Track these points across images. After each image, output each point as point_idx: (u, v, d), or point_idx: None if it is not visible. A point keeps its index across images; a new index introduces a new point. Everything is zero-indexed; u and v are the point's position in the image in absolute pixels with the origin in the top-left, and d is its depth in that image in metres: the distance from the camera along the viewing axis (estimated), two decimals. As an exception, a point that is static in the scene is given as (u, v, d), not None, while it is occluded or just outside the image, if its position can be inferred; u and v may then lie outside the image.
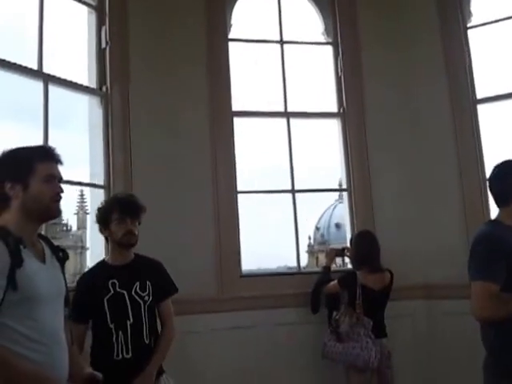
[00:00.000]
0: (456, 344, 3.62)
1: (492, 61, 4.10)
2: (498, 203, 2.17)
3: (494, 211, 3.69)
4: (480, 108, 3.92)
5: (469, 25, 4.06)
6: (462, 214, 3.80)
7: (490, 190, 2.22)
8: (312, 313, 3.48)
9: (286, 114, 3.97)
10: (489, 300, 1.97)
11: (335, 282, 3.37)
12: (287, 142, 3.93)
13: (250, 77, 4.07)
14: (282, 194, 4.02)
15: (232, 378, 3.39)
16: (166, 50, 3.64)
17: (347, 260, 3.77)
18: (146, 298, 2.41)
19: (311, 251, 21.03)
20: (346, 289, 3.28)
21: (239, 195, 3.73)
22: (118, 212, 2.43)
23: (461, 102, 3.92)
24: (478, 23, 4.07)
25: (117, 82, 3.39)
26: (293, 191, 3.87)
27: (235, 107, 3.84)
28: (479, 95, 3.94)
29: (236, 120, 3.83)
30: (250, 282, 3.65)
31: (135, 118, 3.42)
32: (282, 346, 3.54)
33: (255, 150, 4.49)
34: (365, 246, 3.37)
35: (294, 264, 4.00)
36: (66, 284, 1.77)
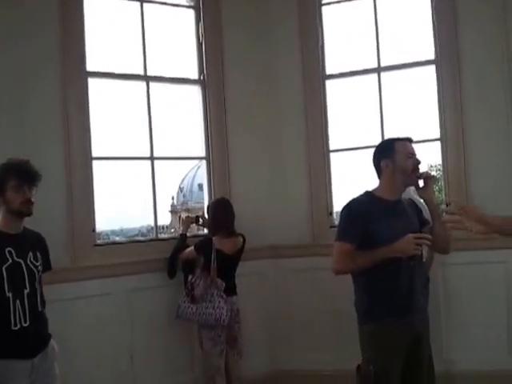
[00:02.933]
0: (299, 296, 4.03)
1: (341, 39, 4.32)
2: (377, 176, 2.47)
3: (335, 181, 4.18)
4: (328, 83, 4.21)
5: (323, 1, 4.24)
6: (307, 182, 4.13)
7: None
8: (169, 278, 3.58)
9: (146, 78, 3.87)
10: (341, 256, 2.32)
11: (191, 248, 3.48)
12: (146, 107, 3.84)
13: (108, 36, 3.85)
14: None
15: (91, 346, 3.38)
16: (13, 6, 3.30)
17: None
18: (40, 267, 2.43)
19: (174, 211, 21.10)
20: (202, 254, 3.42)
21: (94, 161, 3.59)
22: (15, 179, 2.32)
23: (312, 77, 4.16)
24: (332, 1, 4.26)
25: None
26: (152, 158, 3.83)
27: (90, 67, 3.62)
28: (328, 71, 4.22)
29: (91, 81, 3.63)
30: (105, 250, 3.61)
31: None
32: (139, 311, 3.59)
33: (114, 114, 4.30)
34: (220, 213, 3.51)
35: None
36: None
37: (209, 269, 3.36)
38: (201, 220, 3.78)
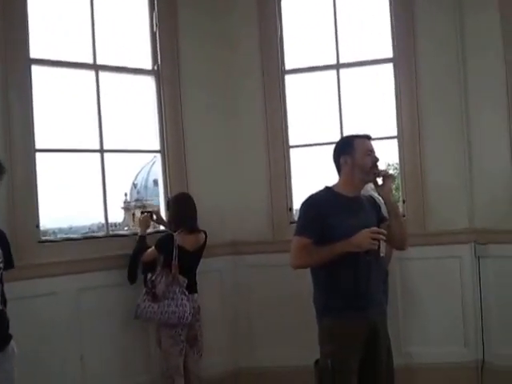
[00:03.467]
0: (259, 293, 3.99)
1: (301, 34, 4.29)
2: (337, 172, 2.51)
3: (295, 177, 4.14)
4: (287, 78, 4.14)
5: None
6: (267, 177, 4.08)
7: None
8: (130, 283, 3.41)
9: (95, 67, 3.67)
10: (299, 251, 2.34)
11: (152, 248, 3.34)
12: (96, 98, 3.64)
13: (54, 22, 3.64)
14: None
15: (38, 348, 3.19)
16: None
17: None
18: (1, 264, 2.28)
19: (127, 208, 20.65)
20: (164, 252, 3.28)
21: (38, 154, 3.36)
22: None
23: (271, 71, 4.09)
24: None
25: None
26: (101, 151, 3.63)
27: (34, 54, 3.38)
28: (288, 66, 4.15)
29: (35, 69, 3.39)
30: (51, 247, 3.40)
31: None
32: (90, 310, 3.42)
33: (60, 104, 4.06)
34: (183, 208, 3.40)
35: (109, 221, 3.88)
36: None
37: (170, 266, 3.24)
38: (155, 216, 3.65)
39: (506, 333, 3.66)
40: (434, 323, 3.83)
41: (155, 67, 3.92)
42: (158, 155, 3.95)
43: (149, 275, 3.30)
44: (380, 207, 2.59)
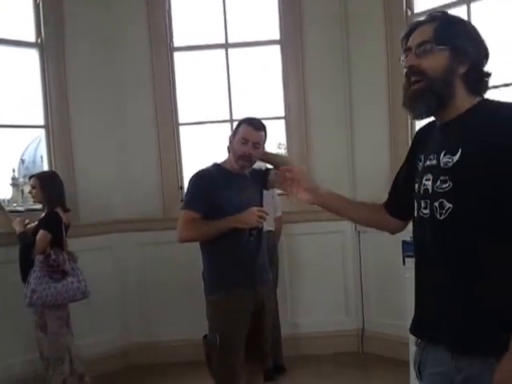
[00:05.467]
0: (149, 270, 4.04)
1: (190, 11, 4.24)
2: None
3: (185, 155, 4.16)
4: (176, 55, 4.15)
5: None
6: (157, 155, 4.08)
7: None
8: (24, 282, 3.21)
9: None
10: (186, 224, 2.35)
11: (41, 233, 3.17)
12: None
13: None
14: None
15: None
16: None
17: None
18: None
19: (16, 184, 19.37)
20: (54, 231, 3.20)
21: None
22: None
23: (159, 48, 4.06)
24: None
25: None
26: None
27: None
28: (176, 43, 4.15)
29: None
30: None
31: None
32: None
33: None
34: (57, 186, 3.33)
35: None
36: None
37: (59, 244, 3.20)
38: None
39: (382, 302, 3.91)
40: (318, 295, 4.04)
41: (38, 40, 3.76)
42: (43, 130, 3.81)
43: (38, 257, 3.13)
44: (265, 172, 2.60)
